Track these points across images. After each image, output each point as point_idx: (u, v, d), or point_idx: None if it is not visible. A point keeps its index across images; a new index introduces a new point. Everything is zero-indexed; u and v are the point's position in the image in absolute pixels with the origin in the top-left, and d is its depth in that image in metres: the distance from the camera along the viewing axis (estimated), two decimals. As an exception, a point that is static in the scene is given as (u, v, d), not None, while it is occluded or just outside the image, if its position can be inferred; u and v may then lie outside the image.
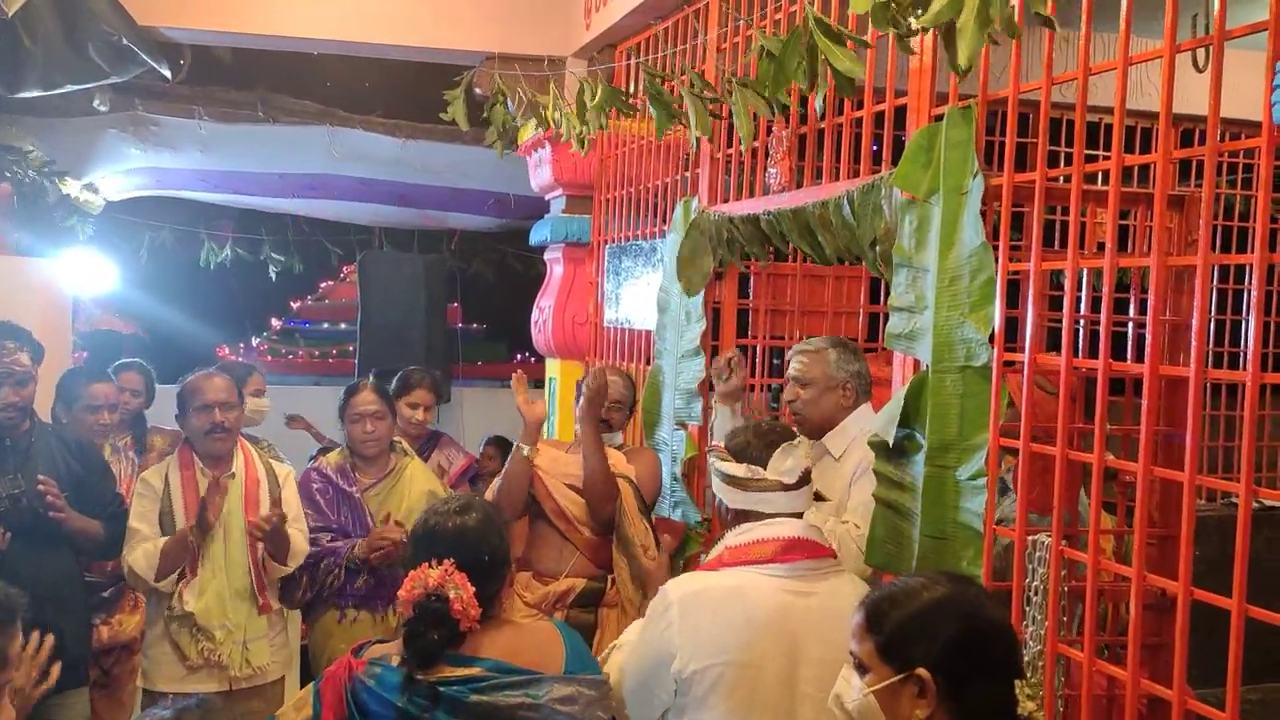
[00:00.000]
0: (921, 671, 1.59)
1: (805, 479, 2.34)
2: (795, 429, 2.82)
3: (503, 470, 3.62)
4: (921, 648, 1.60)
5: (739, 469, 2.34)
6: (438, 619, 2.13)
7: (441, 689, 2.12)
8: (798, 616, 2.22)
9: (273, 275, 8.77)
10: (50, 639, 2.17)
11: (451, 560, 2.17)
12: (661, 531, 3.77)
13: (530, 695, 2.13)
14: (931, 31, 2.48)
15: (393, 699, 2.12)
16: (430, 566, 2.16)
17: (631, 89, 4.31)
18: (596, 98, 3.54)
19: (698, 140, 3.26)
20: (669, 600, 2.27)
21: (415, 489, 3.88)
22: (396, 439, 4.01)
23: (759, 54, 2.61)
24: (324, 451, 4.82)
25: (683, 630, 2.22)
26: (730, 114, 3.57)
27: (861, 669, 1.67)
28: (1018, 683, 1.66)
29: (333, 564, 3.70)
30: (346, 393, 3.95)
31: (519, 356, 9.77)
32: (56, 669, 2.21)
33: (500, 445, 5.71)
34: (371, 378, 4.11)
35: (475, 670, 2.15)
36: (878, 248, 2.65)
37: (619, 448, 3.73)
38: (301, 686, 3.96)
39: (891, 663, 1.63)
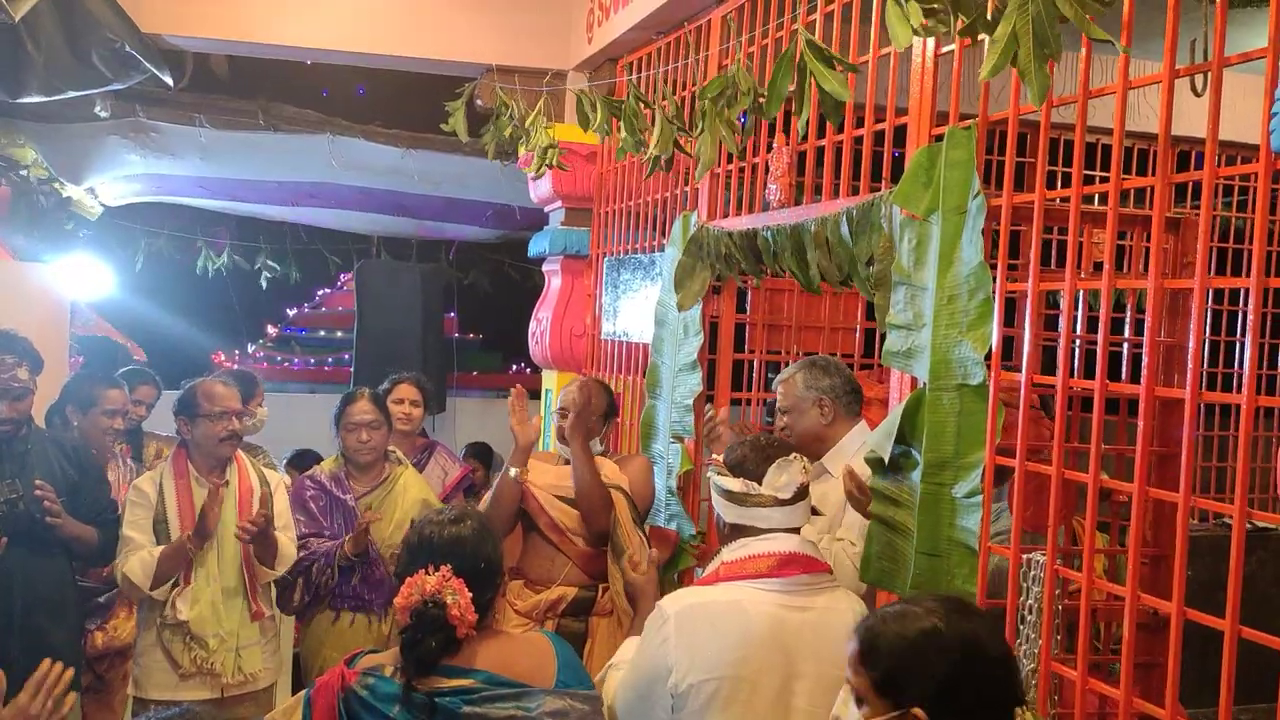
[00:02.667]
0: (917, 711, 1.59)
1: (801, 494, 2.35)
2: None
3: (492, 490, 3.63)
4: (916, 685, 1.60)
5: (735, 484, 2.35)
6: (435, 625, 2.14)
7: (435, 700, 2.12)
8: (793, 631, 2.23)
9: (263, 283, 8.78)
10: (69, 673, 2.17)
11: (448, 566, 2.18)
12: (654, 542, 3.77)
13: (522, 708, 2.14)
14: (932, 53, 2.51)
15: (386, 709, 2.12)
16: (427, 573, 2.17)
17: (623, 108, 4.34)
18: (598, 116, 3.56)
19: (658, 160, 3.27)
20: (665, 615, 2.28)
21: (409, 497, 3.89)
22: (391, 448, 4.02)
23: (726, 81, 2.64)
24: (302, 456, 4.84)
25: (679, 645, 2.23)
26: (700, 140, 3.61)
27: (859, 700, 1.68)
28: (1019, 710, 1.65)
29: (324, 565, 3.72)
30: (343, 401, 3.96)
31: (515, 368, 9.78)
32: (72, 699, 2.21)
33: (479, 455, 5.70)
34: (368, 388, 4.11)
35: (468, 682, 2.16)
36: (873, 267, 2.67)
37: (602, 454, 3.75)
38: (293, 692, 3.97)
39: (886, 698, 1.63)
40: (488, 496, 3.66)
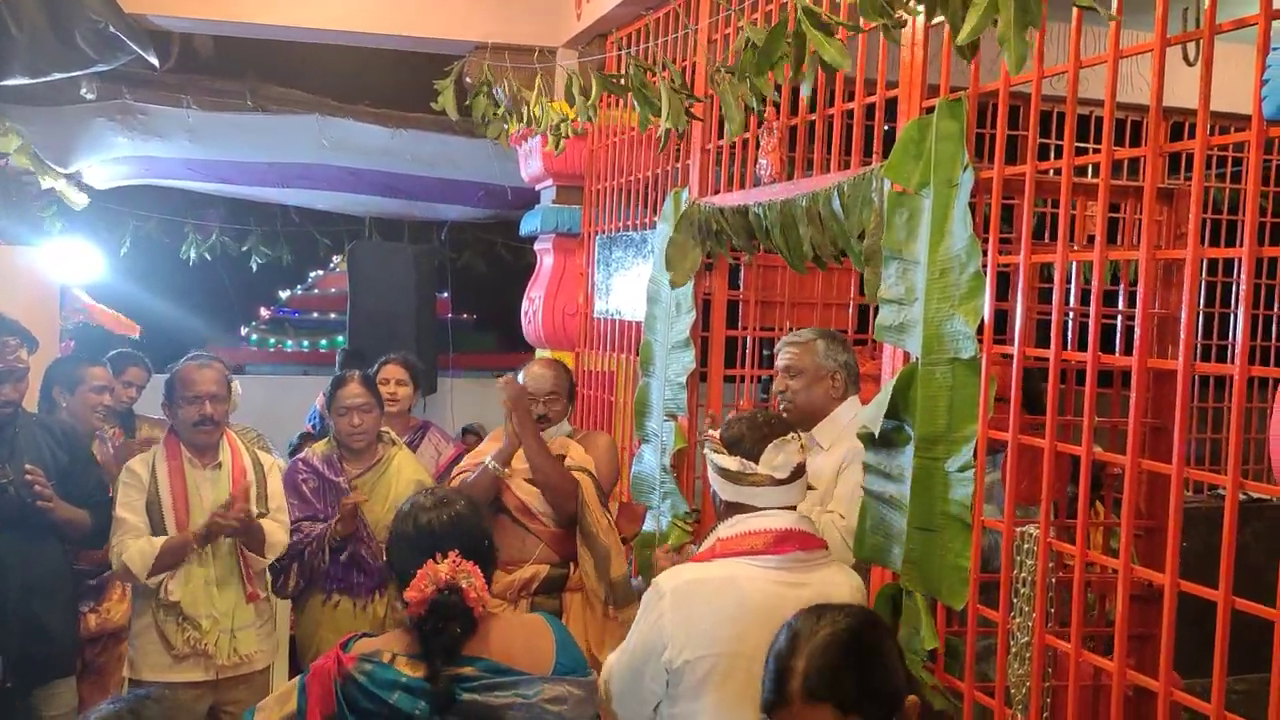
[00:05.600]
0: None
1: (798, 473, 2.35)
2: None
3: (465, 476, 3.62)
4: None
5: (731, 462, 2.34)
6: (455, 611, 2.14)
7: (435, 687, 2.13)
8: (789, 607, 2.22)
9: (254, 266, 8.75)
10: None
11: (455, 550, 2.18)
12: (623, 518, 3.78)
13: (521, 695, 2.15)
14: (923, 24, 2.49)
15: (385, 695, 2.11)
16: (435, 561, 2.16)
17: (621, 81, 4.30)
18: (592, 93, 3.52)
19: (672, 132, 3.24)
20: (662, 591, 2.28)
21: (403, 478, 3.88)
22: (384, 429, 4.01)
23: (744, 45, 2.60)
24: (307, 438, 4.82)
25: (675, 621, 2.24)
26: (720, 106, 3.58)
27: None
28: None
29: (316, 549, 3.72)
30: (333, 385, 3.95)
31: (510, 347, 9.77)
32: None
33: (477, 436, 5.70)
34: (358, 370, 4.09)
35: (468, 670, 2.16)
36: (865, 241, 2.65)
37: (569, 434, 3.74)
38: (289, 675, 3.97)
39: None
40: (459, 480, 3.65)
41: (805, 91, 2.60)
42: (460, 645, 2.15)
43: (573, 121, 3.99)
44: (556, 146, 4.13)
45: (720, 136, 3.62)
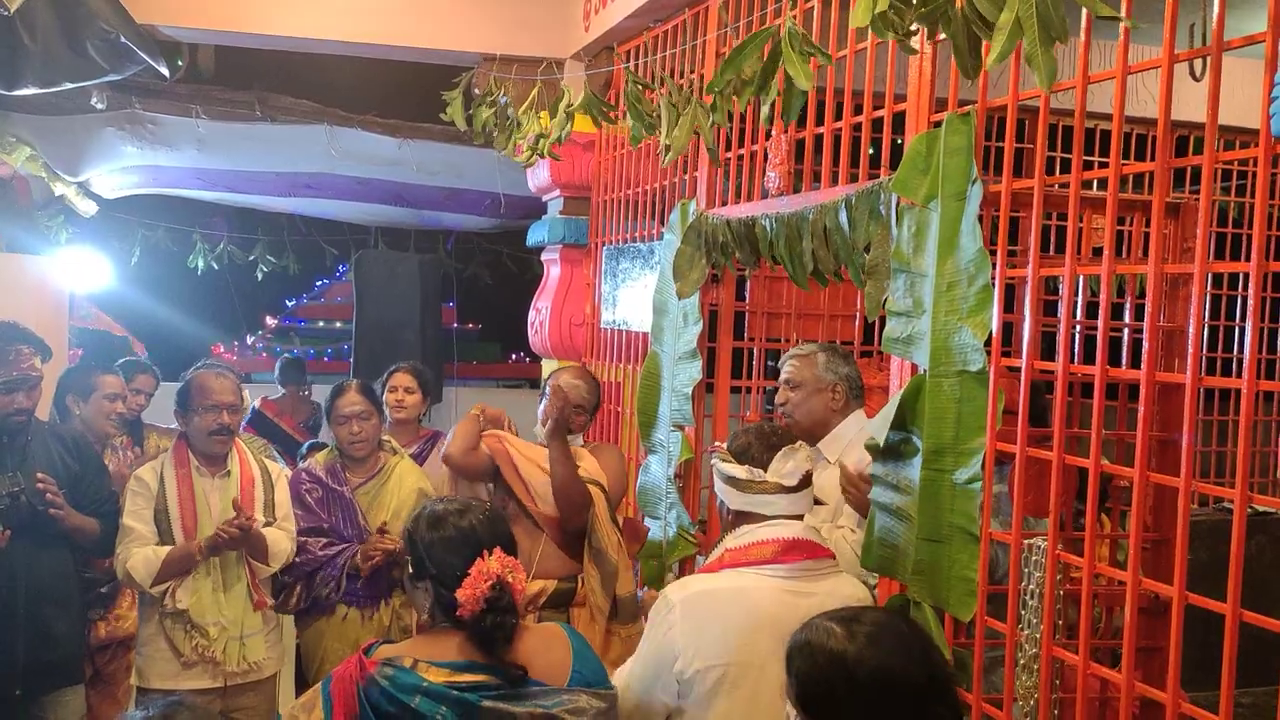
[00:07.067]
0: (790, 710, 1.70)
1: (806, 482, 2.36)
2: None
3: (456, 426, 3.69)
4: (826, 710, 1.68)
5: (740, 471, 2.36)
6: (507, 605, 2.18)
7: (456, 693, 2.14)
8: (798, 617, 2.22)
9: (259, 276, 8.78)
10: None
11: (499, 547, 2.21)
12: (625, 535, 3.78)
13: (541, 705, 2.16)
14: (934, 37, 2.50)
15: (407, 700, 2.13)
16: (483, 559, 2.19)
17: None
18: (576, 102, 3.56)
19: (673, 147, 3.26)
20: (671, 602, 2.29)
21: (405, 487, 3.88)
22: (386, 438, 4.01)
23: (715, 61, 2.64)
24: (315, 448, 4.84)
25: (685, 632, 2.25)
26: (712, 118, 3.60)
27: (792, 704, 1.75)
28: None
29: (329, 575, 3.71)
30: (332, 394, 3.95)
31: (514, 357, 9.79)
32: None
33: None
34: (357, 379, 4.11)
35: (486, 678, 2.17)
36: (869, 254, 2.66)
37: (581, 446, 3.75)
38: (295, 683, 3.98)
39: (804, 712, 1.71)
40: (450, 435, 3.69)
41: (763, 112, 2.61)
42: (512, 639, 2.18)
43: (552, 143, 4.02)
44: (527, 160, 4.17)
45: (729, 149, 3.63)
